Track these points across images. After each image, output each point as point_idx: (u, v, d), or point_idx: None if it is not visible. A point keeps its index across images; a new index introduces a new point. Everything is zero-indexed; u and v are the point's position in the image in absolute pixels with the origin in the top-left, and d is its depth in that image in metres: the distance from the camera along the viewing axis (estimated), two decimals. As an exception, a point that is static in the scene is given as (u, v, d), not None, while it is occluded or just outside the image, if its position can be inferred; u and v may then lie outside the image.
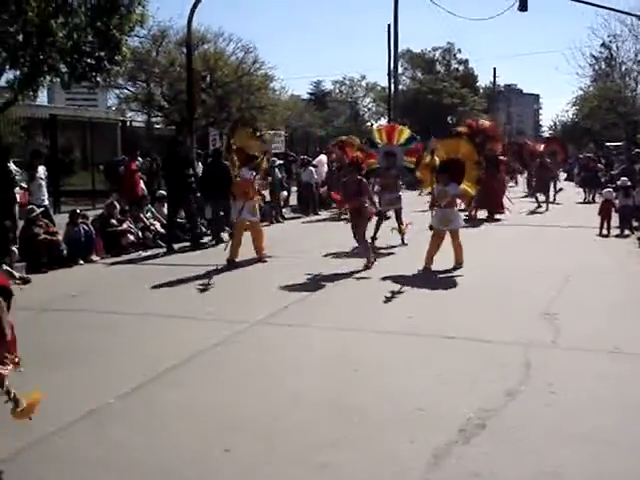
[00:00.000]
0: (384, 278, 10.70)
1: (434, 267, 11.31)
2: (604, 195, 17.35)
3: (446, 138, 13.16)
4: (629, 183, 17.46)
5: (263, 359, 6.81)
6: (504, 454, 4.64)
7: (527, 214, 21.45)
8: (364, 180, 12.24)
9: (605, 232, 16.12)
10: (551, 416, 5.27)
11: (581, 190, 28.42)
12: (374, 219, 13.43)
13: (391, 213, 15.07)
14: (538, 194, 23.80)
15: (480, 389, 5.80)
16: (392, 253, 13.63)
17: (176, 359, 6.68)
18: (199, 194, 15.45)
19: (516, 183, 32.82)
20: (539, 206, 23.00)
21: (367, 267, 11.54)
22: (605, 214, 16.36)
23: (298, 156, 28.01)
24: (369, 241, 13.99)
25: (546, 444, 4.77)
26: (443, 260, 11.45)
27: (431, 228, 11.73)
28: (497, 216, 19.76)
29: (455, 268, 11.43)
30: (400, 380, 6.14)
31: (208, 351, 7.08)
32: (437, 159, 12.34)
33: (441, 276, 10.93)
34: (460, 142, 12.67)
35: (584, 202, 26.00)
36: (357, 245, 12.18)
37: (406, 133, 15.40)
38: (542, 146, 28.93)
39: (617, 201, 16.84)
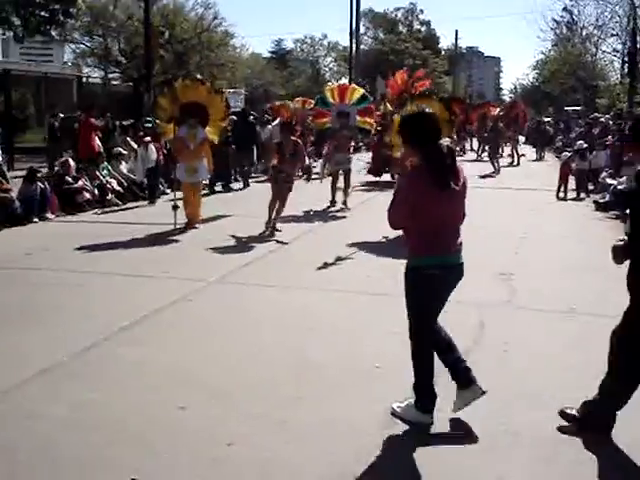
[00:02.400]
0: (340, 240, 10.71)
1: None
2: (562, 158, 17.52)
3: (417, 98, 12.26)
4: (585, 146, 17.67)
5: (219, 318, 6.79)
6: (457, 413, 4.70)
7: (480, 177, 20.98)
8: (299, 141, 12.04)
9: (562, 195, 16.32)
10: (503, 375, 5.35)
11: (534, 150, 30.71)
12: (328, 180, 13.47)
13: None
14: (494, 159, 23.78)
15: (435, 348, 5.85)
16: (344, 216, 13.62)
17: (132, 318, 6.62)
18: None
19: (463, 151, 30.68)
20: (495, 170, 22.93)
21: (274, 228, 11.27)
22: (563, 177, 16.56)
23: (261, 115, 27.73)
24: (328, 204, 14.09)
25: (496, 403, 4.82)
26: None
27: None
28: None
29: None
30: (357, 338, 6.19)
31: (164, 310, 7.03)
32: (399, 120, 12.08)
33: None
34: (431, 102, 11.70)
35: (536, 160, 28.54)
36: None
37: (359, 92, 15.27)
38: (498, 110, 29.16)
39: (574, 164, 17.05)
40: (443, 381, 4.72)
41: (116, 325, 6.44)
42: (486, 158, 25.19)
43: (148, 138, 15.23)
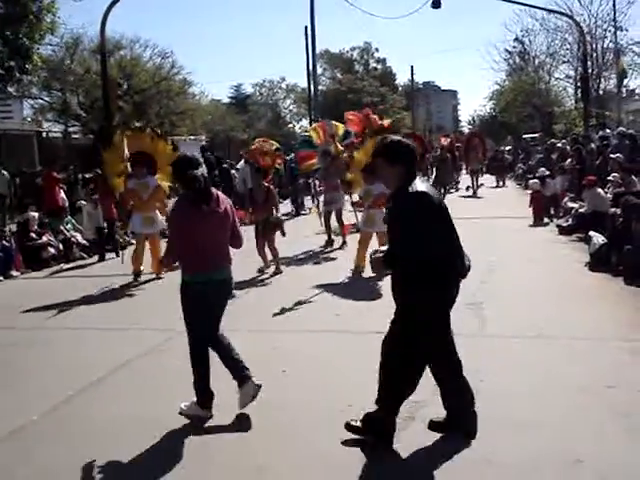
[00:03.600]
0: (310, 280, 10.71)
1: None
2: (531, 186, 17.45)
3: (375, 134, 12.35)
4: (547, 173, 17.93)
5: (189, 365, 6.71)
6: (433, 445, 4.69)
7: None
8: (271, 187, 12.08)
9: (538, 221, 16.41)
10: (479, 403, 5.33)
11: (493, 178, 31.09)
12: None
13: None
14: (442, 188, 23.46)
15: (409, 382, 5.83)
16: (325, 255, 13.62)
17: (102, 372, 6.52)
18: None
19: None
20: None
21: (275, 273, 11.40)
22: (536, 204, 16.70)
23: (223, 160, 27.78)
24: (326, 244, 14.14)
25: (479, 432, 4.83)
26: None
27: (358, 230, 11.40)
28: None
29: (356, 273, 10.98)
30: (329, 377, 6.16)
31: (134, 361, 6.94)
32: (359, 157, 11.97)
33: (369, 275, 10.89)
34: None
35: (496, 187, 29.22)
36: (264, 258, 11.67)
37: (341, 128, 15.09)
38: (445, 140, 29.17)
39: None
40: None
41: (86, 381, 6.34)
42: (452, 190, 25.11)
43: (96, 196, 15.02)
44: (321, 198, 14.51)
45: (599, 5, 44.42)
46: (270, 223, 11.48)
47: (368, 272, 10.51)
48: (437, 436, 4.81)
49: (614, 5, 37.20)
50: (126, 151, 11.41)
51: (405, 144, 4.77)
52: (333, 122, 15.50)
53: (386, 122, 18.14)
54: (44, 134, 29.48)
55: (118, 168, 11.50)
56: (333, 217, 14.63)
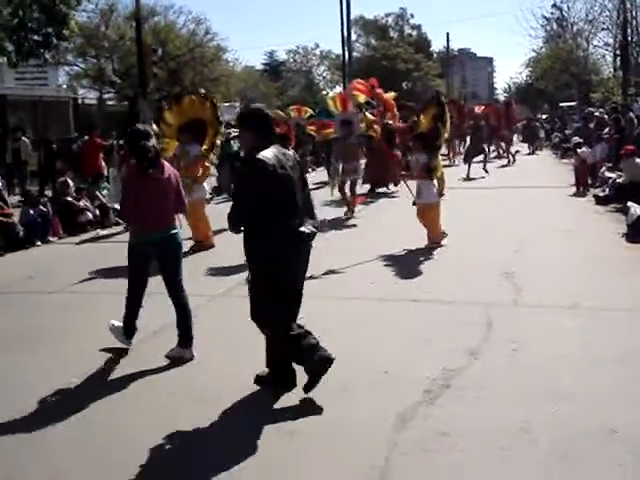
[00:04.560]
0: (344, 248, 10.72)
1: (404, 239, 10.71)
2: (580, 155, 16.99)
3: (427, 105, 11.50)
4: (579, 141, 17.66)
5: (225, 331, 6.79)
6: (469, 412, 4.71)
7: (469, 180, 20.31)
8: (296, 155, 11.74)
9: (582, 191, 16.11)
10: (513, 373, 5.36)
11: (525, 145, 31.97)
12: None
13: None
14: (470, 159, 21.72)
15: (443, 350, 5.86)
16: (353, 225, 13.45)
17: (139, 336, 6.61)
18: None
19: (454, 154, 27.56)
20: (467, 177, 20.77)
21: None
22: (581, 174, 16.45)
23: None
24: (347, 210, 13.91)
25: (509, 401, 4.85)
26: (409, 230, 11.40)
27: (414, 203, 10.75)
28: (392, 187, 17.76)
29: (430, 248, 10.33)
30: (365, 344, 6.18)
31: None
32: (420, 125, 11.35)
33: (403, 241, 10.85)
34: (430, 107, 11.24)
35: (529, 154, 29.94)
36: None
37: (361, 98, 14.93)
38: (479, 108, 28.50)
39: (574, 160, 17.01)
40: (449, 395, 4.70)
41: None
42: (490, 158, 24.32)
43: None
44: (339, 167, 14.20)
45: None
46: None
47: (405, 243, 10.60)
48: (472, 404, 4.82)
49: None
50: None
51: (257, 113, 5.17)
52: (354, 92, 15.27)
53: (391, 95, 17.86)
54: (79, 101, 29.59)
55: (172, 132, 11.55)
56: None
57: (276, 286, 5.02)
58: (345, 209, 14.17)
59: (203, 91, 12.96)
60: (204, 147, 11.52)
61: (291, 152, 5.22)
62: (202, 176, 11.57)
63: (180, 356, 6.01)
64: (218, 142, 12.53)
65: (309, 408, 4.89)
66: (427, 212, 10.48)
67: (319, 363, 4.98)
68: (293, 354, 5.11)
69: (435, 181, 10.97)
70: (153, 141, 6.01)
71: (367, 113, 14.28)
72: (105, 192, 15.52)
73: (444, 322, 6.68)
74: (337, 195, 14.53)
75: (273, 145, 4.99)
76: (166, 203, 6.01)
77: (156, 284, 6.37)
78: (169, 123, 11.72)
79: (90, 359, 6.10)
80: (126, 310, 6.26)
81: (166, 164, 6.17)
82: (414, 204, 10.66)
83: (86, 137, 17.64)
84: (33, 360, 6.20)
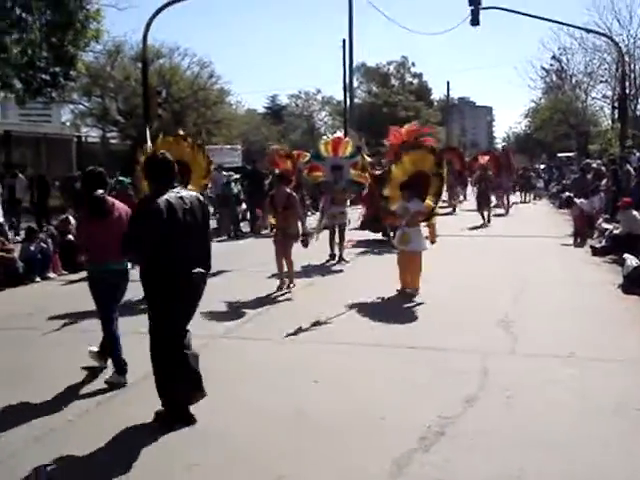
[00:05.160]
0: (341, 293, 10.77)
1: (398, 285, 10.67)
2: (580, 205, 17.01)
3: (411, 149, 11.39)
4: (569, 194, 17.89)
5: (223, 372, 6.81)
6: (464, 460, 4.73)
7: (470, 229, 20.35)
8: (293, 194, 11.47)
9: (581, 241, 16.15)
10: (508, 421, 5.39)
11: (520, 194, 32.92)
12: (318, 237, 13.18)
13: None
14: (483, 209, 22.03)
15: (439, 397, 5.89)
16: (341, 270, 13.38)
17: (136, 376, 6.64)
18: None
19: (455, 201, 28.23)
20: (484, 222, 21.35)
21: (288, 286, 11.05)
22: (579, 224, 16.56)
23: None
24: (330, 258, 13.97)
25: (504, 449, 4.88)
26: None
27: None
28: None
29: (402, 294, 10.43)
30: (361, 390, 6.21)
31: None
32: (396, 172, 11.13)
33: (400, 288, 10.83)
34: (425, 154, 11.12)
35: (522, 202, 31.33)
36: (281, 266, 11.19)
37: (351, 146, 15.11)
38: (487, 159, 28.35)
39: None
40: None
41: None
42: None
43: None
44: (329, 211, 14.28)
45: (638, 25, 44.15)
46: (287, 234, 11.12)
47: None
48: (467, 452, 4.85)
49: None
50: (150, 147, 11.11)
51: (157, 163, 5.68)
52: (346, 139, 15.65)
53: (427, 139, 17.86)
54: (83, 139, 29.90)
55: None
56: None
57: (161, 318, 5.47)
58: (329, 253, 14.17)
59: (181, 132, 12.55)
60: (191, 186, 10.82)
61: (193, 195, 5.66)
62: None
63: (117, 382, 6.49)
64: (207, 182, 12.28)
65: (300, 453, 4.90)
66: (413, 259, 10.53)
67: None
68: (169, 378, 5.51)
69: (425, 229, 10.92)
70: (101, 190, 6.65)
71: (365, 155, 14.42)
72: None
73: (440, 369, 6.71)
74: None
75: (172, 190, 5.46)
76: (111, 240, 6.15)
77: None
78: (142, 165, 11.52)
79: (88, 397, 6.12)
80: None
81: (117, 204, 6.75)
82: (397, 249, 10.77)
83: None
84: (32, 398, 6.20)
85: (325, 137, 20.86)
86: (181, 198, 5.42)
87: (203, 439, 5.17)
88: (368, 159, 15.86)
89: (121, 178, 14.03)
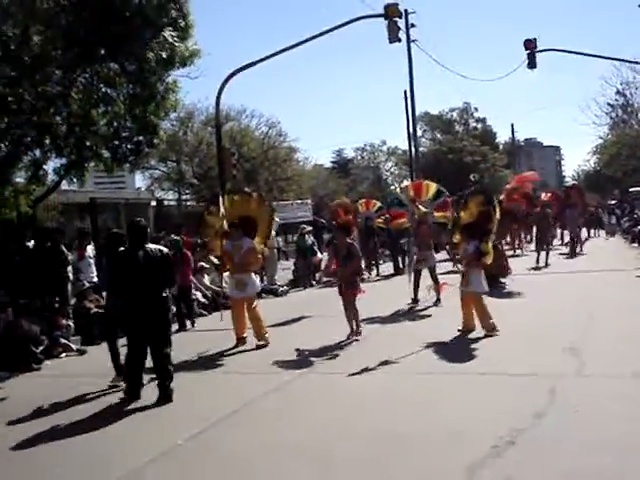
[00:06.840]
0: (419, 331, 11.39)
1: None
2: None
3: (473, 194, 11.73)
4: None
5: (312, 403, 7.51)
6: (533, 462, 5.25)
7: (530, 269, 20.19)
8: (354, 244, 11.61)
9: None
10: (575, 430, 5.87)
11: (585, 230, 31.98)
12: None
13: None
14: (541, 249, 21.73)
15: (510, 413, 6.42)
16: (428, 315, 13.35)
17: (233, 407, 7.34)
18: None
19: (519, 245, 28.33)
20: (537, 264, 20.90)
21: (357, 333, 11.02)
22: None
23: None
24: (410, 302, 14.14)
25: (571, 453, 5.36)
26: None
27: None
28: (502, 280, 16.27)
29: (463, 333, 10.58)
30: (438, 411, 6.78)
31: (260, 399, 7.75)
32: (463, 216, 11.49)
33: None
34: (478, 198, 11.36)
35: (586, 239, 30.56)
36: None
37: (433, 188, 15.14)
38: (546, 196, 27.60)
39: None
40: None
41: (221, 412, 7.19)
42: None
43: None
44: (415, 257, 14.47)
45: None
46: (348, 284, 11.10)
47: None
48: (535, 457, 5.35)
49: None
50: (223, 212, 11.55)
51: (129, 228, 8.59)
52: (426, 182, 15.69)
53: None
54: (161, 202, 31.38)
55: (219, 230, 11.55)
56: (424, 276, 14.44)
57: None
58: (412, 297, 14.24)
59: (247, 189, 13.18)
60: (257, 238, 11.71)
61: (156, 249, 8.33)
62: (255, 265, 11.82)
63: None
64: (272, 232, 12.84)
65: (388, 460, 5.50)
66: (472, 301, 10.62)
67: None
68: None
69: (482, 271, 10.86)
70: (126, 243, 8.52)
71: (418, 205, 14.54)
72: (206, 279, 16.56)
73: (510, 390, 7.26)
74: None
75: (142, 245, 8.15)
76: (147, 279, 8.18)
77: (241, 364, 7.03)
78: (210, 224, 11.87)
79: (194, 426, 6.85)
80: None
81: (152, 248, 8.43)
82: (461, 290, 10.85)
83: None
84: (141, 426, 6.97)
85: (393, 187, 21.07)
86: (148, 249, 8.15)
87: (303, 461, 5.81)
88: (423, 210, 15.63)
89: (176, 238, 14.69)
